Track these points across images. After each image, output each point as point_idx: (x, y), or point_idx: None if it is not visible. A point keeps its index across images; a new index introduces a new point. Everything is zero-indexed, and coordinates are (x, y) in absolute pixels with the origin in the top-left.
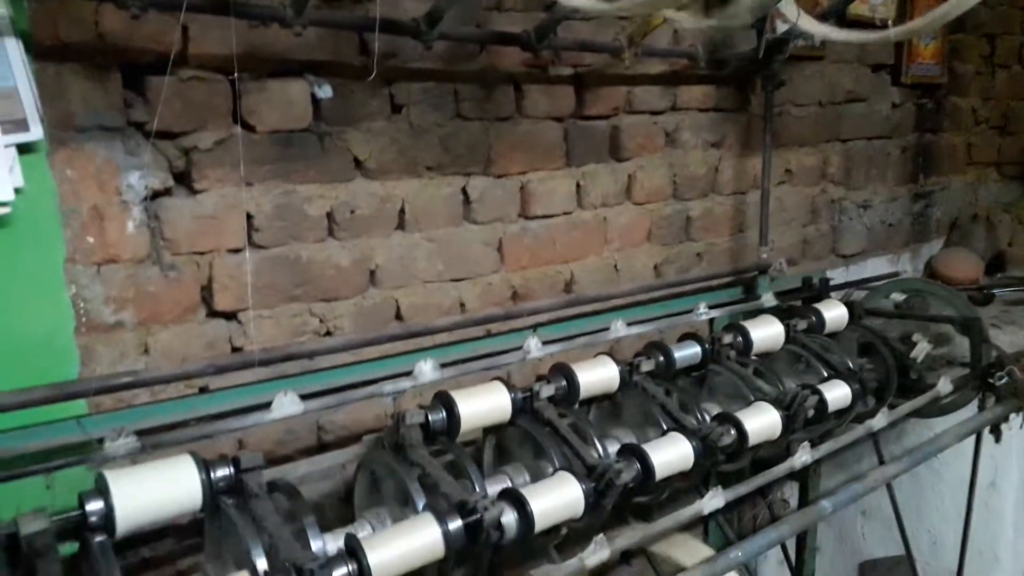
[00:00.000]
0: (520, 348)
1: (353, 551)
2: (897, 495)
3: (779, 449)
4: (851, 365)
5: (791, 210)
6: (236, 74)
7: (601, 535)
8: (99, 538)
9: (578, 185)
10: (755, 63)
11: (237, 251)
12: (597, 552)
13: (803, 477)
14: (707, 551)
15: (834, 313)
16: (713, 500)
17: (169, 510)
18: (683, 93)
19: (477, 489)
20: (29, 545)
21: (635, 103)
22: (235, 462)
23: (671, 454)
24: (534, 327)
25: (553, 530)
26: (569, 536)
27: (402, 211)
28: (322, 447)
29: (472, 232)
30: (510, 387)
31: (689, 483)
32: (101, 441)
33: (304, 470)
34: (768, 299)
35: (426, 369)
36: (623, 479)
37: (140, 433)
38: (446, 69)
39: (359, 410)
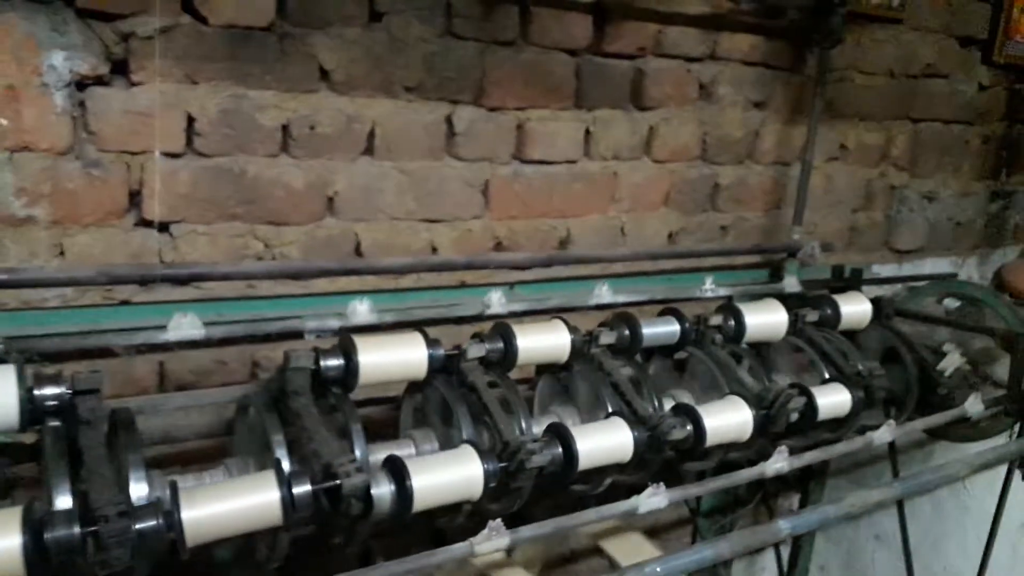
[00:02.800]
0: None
1: (170, 503)
2: (915, 524)
3: (765, 453)
4: (860, 369)
5: (841, 192)
6: None
7: (498, 521)
8: None
9: (587, 131)
10: (815, 15)
11: (174, 156)
12: (493, 539)
13: (804, 488)
14: (651, 551)
15: (854, 308)
16: (653, 499)
17: None
18: (725, 41)
19: (358, 453)
20: None
21: (666, 45)
22: (72, 382)
23: (605, 441)
24: (512, 284)
25: (453, 509)
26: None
27: (372, 134)
28: None
29: (454, 169)
30: (431, 342)
31: (636, 478)
32: None
33: (181, 402)
34: (791, 284)
35: (361, 310)
36: (535, 462)
37: (12, 338)
38: None
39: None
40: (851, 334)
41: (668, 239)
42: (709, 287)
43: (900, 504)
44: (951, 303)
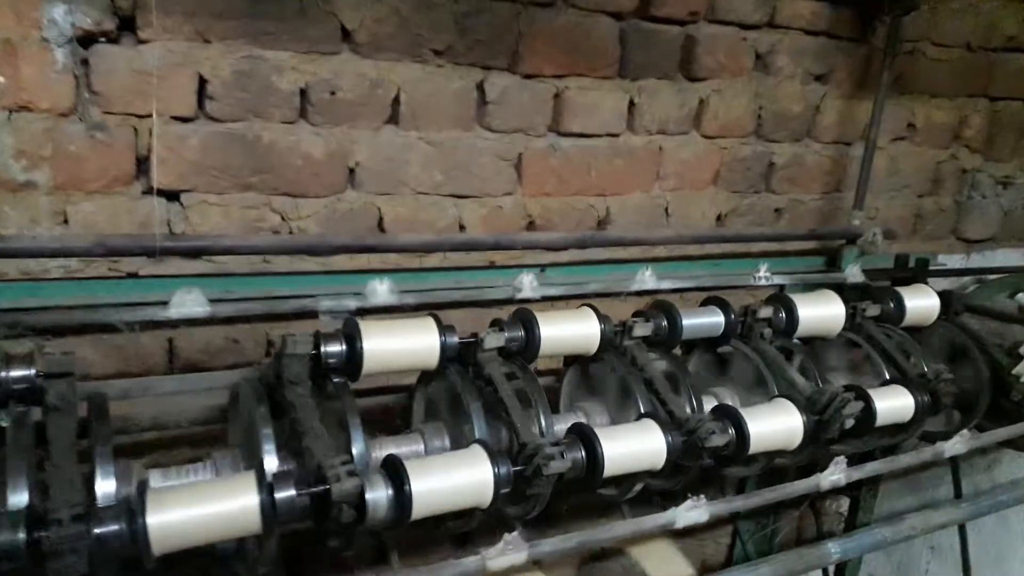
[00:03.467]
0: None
1: (135, 505)
2: (975, 535)
3: (816, 459)
4: (924, 370)
5: (907, 174)
6: None
7: (515, 533)
8: None
9: (631, 103)
10: None
11: (184, 120)
12: (508, 553)
13: (856, 494)
14: (683, 568)
15: (920, 302)
16: (691, 512)
17: None
18: (785, 7)
19: (355, 451)
20: None
21: (720, 10)
22: (42, 363)
23: (634, 445)
24: (544, 266)
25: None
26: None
27: (397, 101)
28: None
29: (485, 141)
30: (444, 329)
31: (671, 484)
32: None
33: (173, 387)
34: (853, 273)
35: (380, 291)
36: (553, 468)
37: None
38: None
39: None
40: (915, 330)
41: (716, 221)
42: (763, 274)
43: None
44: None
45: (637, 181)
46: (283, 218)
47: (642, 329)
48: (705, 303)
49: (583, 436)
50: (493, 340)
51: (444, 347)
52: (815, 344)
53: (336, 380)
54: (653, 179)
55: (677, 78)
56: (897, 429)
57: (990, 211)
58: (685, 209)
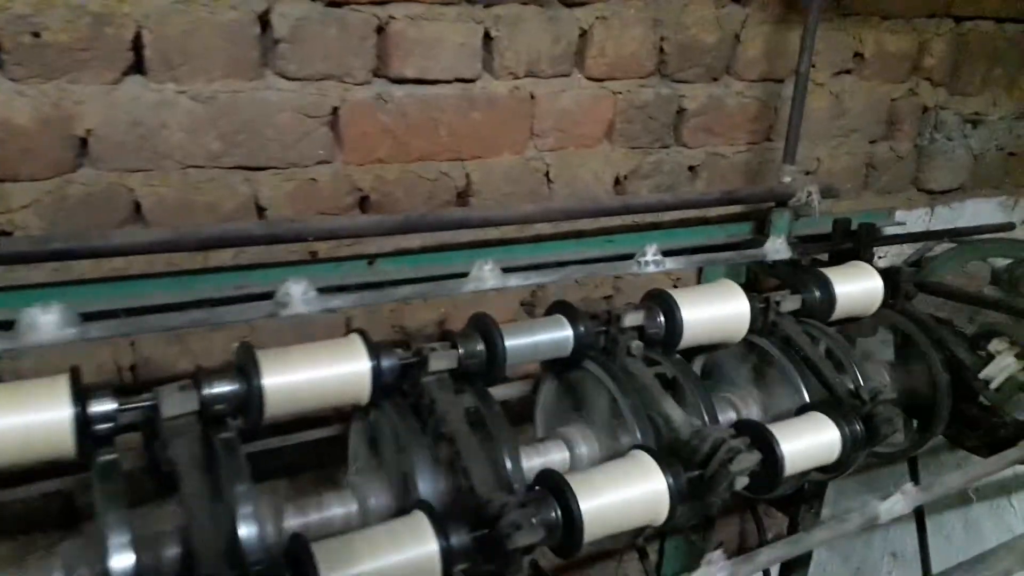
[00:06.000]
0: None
1: None
2: (944, 544)
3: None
4: (859, 383)
5: (855, 116)
6: None
7: None
8: None
9: (487, 36)
10: None
11: None
12: None
13: (794, 511)
14: None
15: (856, 287)
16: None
17: None
18: None
19: None
20: None
21: None
22: None
23: (396, 556)
24: (371, 258)
25: None
26: None
27: (138, 42)
28: None
29: (280, 92)
30: (81, 395)
31: None
32: None
33: None
34: (776, 248)
35: (44, 322)
36: None
37: None
38: None
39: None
40: (854, 323)
41: (615, 186)
42: (651, 257)
43: (921, 517)
44: (997, 263)
45: (505, 140)
46: None
47: (443, 360)
48: (550, 311)
49: (296, 554)
50: (176, 404)
51: (76, 422)
52: (717, 355)
53: None
54: (526, 136)
55: (549, 2)
56: (823, 467)
57: (957, 156)
58: (572, 173)
